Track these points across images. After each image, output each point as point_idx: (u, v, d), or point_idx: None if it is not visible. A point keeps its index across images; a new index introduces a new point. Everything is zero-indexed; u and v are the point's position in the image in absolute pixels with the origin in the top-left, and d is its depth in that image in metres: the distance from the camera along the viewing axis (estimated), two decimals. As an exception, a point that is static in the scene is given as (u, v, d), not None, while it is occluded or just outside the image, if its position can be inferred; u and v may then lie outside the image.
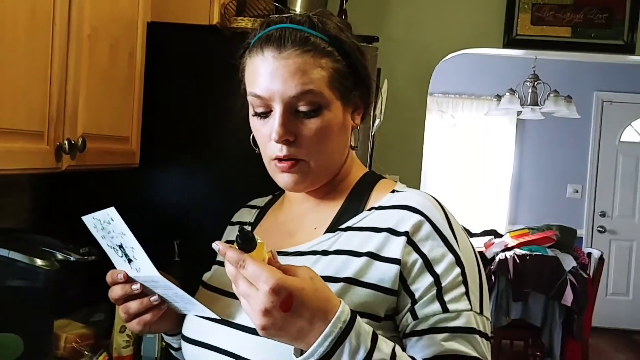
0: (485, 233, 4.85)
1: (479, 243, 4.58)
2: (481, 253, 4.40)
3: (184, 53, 1.82)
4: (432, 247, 0.86)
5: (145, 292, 0.92)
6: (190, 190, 1.82)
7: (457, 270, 0.85)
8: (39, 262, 1.29)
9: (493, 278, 4.15)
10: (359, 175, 1.00)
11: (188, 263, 1.70)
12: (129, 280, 0.91)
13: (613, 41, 3.36)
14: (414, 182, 3.16)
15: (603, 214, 5.95)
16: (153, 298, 0.92)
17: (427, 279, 0.85)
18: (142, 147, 1.74)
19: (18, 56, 1.10)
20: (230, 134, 1.64)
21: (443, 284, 0.84)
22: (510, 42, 3.37)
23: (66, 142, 1.26)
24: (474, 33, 3.40)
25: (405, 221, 0.88)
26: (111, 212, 0.86)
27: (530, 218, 5.77)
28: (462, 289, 0.85)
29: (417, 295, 0.84)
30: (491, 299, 4.12)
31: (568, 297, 4.08)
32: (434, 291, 0.84)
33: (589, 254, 4.55)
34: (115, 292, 0.92)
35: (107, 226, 0.88)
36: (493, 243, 4.50)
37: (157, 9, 1.76)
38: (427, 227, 0.87)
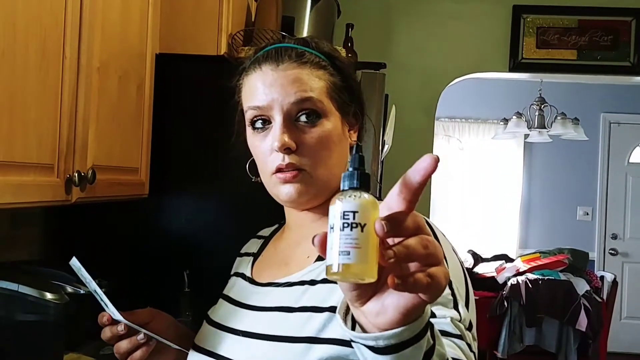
0: (496, 258, 4.80)
1: (490, 268, 4.53)
2: (493, 278, 4.36)
3: (192, 83, 1.83)
4: None
5: (131, 331, 0.94)
6: (199, 219, 1.81)
7: (447, 290, 0.81)
8: (48, 295, 1.27)
9: (506, 304, 4.10)
10: None
11: (198, 293, 1.69)
12: (114, 321, 0.94)
13: (619, 63, 3.36)
14: (423, 207, 3.14)
15: (614, 237, 5.88)
16: (139, 337, 0.93)
17: None
18: (152, 177, 1.74)
19: (29, 89, 1.11)
20: (240, 164, 1.64)
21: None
22: (516, 66, 3.38)
23: (76, 174, 1.26)
24: (480, 58, 3.42)
25: None
26: (73, 263, 0.88)
27: (541, 242, 5.72)
28: (450, 305, 0.80)
29: None
30: (504, 325, 4.07)
31: (582, 322, 4.02)
32: None
33: (602, 277, 4.49)
34: (105, 333, 0.95)
35: (81, 273, 0.91)
36: (504, 268, 4.45)
37: (166, 41, 1.78)
38: None
